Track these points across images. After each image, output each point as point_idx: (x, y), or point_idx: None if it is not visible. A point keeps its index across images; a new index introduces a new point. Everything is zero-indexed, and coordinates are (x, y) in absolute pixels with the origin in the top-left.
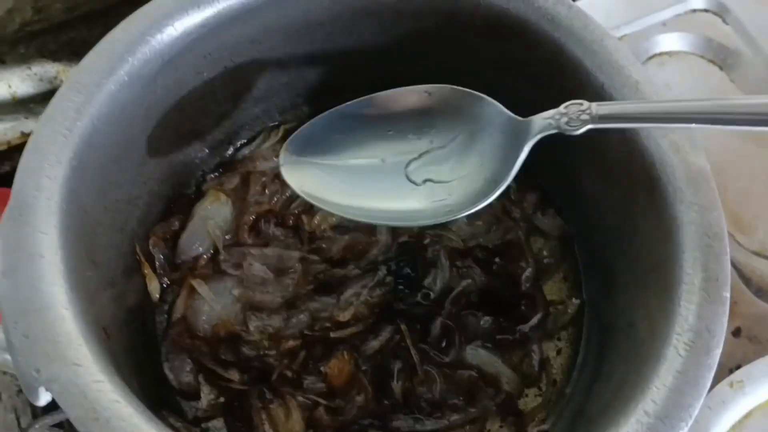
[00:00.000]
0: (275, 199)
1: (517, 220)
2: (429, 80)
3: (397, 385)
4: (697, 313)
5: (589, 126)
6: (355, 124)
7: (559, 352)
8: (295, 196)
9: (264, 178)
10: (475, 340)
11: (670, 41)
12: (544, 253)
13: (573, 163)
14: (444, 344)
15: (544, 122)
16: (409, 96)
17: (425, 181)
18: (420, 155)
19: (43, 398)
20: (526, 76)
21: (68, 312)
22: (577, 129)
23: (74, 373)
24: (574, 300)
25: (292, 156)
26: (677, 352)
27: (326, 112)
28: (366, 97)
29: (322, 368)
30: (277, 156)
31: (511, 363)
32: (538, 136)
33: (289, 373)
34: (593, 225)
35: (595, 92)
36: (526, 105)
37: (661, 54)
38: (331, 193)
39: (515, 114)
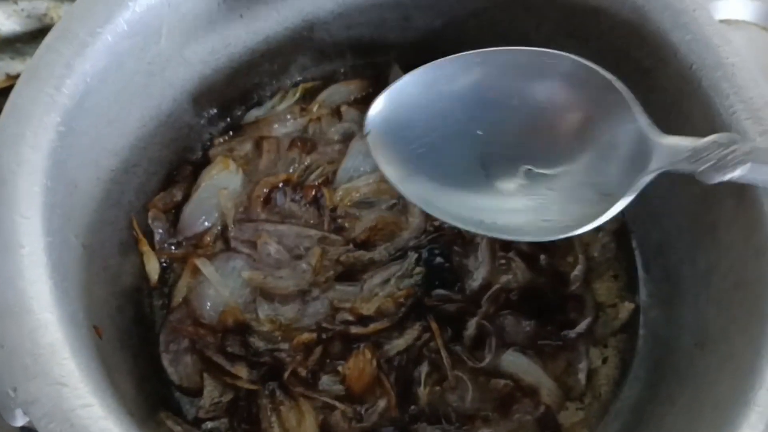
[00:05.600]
0: (292, 168)
1: None
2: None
3: (423, 392)
4: None
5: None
6: (451, 87)
7: (605, 361)
8: (314, 167)
9: (279, 144)
10: (513, 344)
11: (732, 8)
12: (595, 248)
13: None
14: (478, 348)
15: (677, 155)
16: (521, 59)
17: (525, 169)
18: (523, 131)
19: (21, 420)
20: (595, 46)
21: (52, 315)
22: (716, 179)
23: (58, 395)
24: (627, 303)
25: (376, 127)
26: None
27: (421, 69)
28: (468, 53)
29: (340, 368)
30: (294, 119)
31: (554, 373)
32: (663, 170)
33: (303, 371)
34: (656, 222)
35: (680, 72)
36: None
37: (720, 22)
38: (418, 184)
39: None
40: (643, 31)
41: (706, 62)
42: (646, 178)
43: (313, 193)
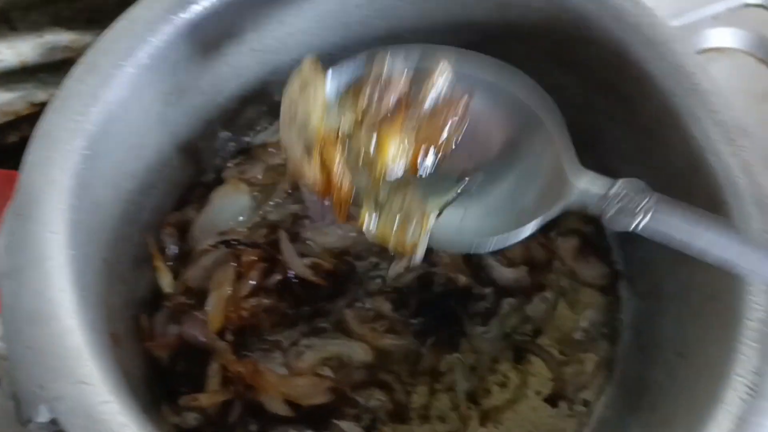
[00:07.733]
0: None
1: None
2: None
3: None
4: (762, 353)
5: (638, 228)
6: None
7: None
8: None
9: None
10: None
11: (720, 37)
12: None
13: (621, 168)
14: None
15: (586, 198)
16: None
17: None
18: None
19: (43, 416)
20: (581, 74)
21: (75, 322)
22: (621, 226)
23: (81, 392)
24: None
25: None
26: (737, 395)
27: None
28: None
29: None
30: None
31: None
32: (569, 209)
33: None
34: (640, 240)
35: (659, 99)
36: (575, 105)
37: (709, 50)
38: None
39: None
40: (626, 62)
41: (682, 89)
42: (551, 214)
43: None
